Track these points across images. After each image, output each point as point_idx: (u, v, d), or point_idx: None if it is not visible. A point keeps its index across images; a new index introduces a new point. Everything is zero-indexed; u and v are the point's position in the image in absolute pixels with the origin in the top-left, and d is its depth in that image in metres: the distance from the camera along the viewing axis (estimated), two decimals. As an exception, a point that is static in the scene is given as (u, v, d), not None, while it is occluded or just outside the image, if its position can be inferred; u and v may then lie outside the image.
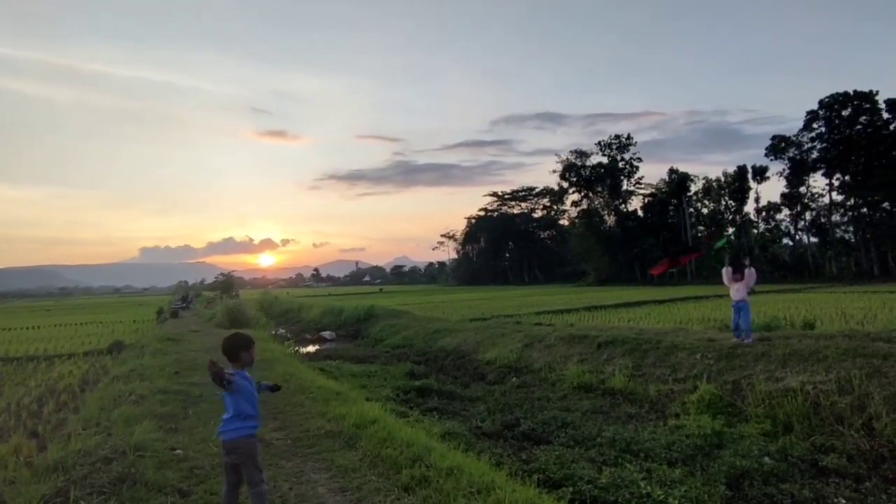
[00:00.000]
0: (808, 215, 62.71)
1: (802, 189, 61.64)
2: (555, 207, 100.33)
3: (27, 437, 7.25)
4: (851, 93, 55.57)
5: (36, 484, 4.37)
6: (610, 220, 76.26)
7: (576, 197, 79.04)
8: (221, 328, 23.12)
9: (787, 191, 62.39)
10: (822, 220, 61.63)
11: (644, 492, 4.86)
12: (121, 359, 14.22)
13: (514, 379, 11.63)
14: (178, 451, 5.51)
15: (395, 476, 4.61)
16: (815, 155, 59.18)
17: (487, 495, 3.98)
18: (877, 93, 54.54)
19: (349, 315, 26.97)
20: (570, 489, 5.01)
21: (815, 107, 58.10)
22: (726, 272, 9.80)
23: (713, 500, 4.83)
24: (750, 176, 65.10)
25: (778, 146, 61.92)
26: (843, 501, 4.90)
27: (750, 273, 9.61)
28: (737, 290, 9.57)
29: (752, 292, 9.63)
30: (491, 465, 5.26)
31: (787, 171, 61.60)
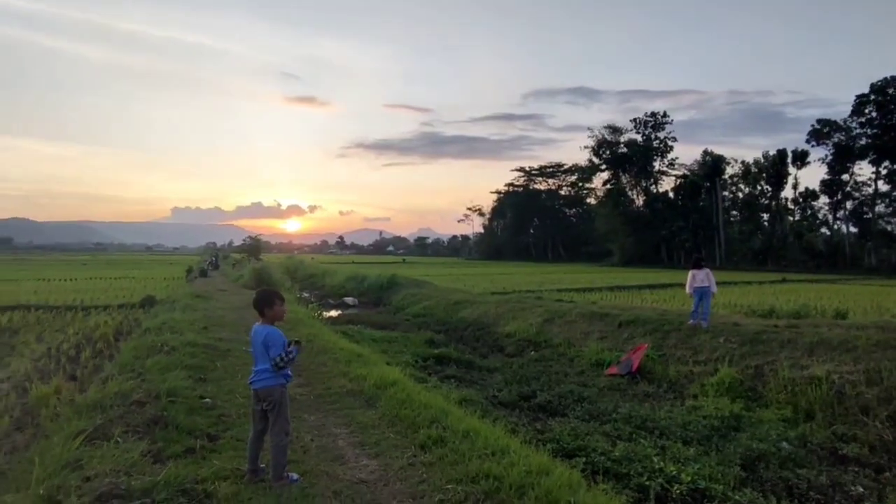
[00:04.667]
0: (848, 204, 60.29)
1: (845, 177, 59.16)
2: (582, 185, 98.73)
3: (66, 380, 7.66)
4: (907, 76, 52.60)
5: (77, 420, 4.65)
6: (638, 200, 74.73)
7: (606, 175, 77.52)
8: (248, 289, 23.74)
9: (828, 177, 59.96)
10: (864, 209, 59.20)
11: (657, 466, 4.90)
12: (152, 312, 14.76)
13: (533, 352, 11.71)
14: (206, 400, 5.76)
15: (413, 435, 4.75)
16: (863, 141, 56.51)
17: (501, 458, 4.07)
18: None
19: (372, 283, 27.33)
20: (583, 459, 5.08)
21: (865, 90, 55.23)
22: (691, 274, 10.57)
23: (726, 480, 4.85)
24: (790, 160, 62.67)
25: (821, 131, 59.30)
26: (861, 489, 4.87)
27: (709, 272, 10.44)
28: (703, 278, 10.32)
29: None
30: (506, 431, 5.36)
31: (830, 157, 59.07)
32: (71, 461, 3.78)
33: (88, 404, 5.12)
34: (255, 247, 56.76)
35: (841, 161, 58.28)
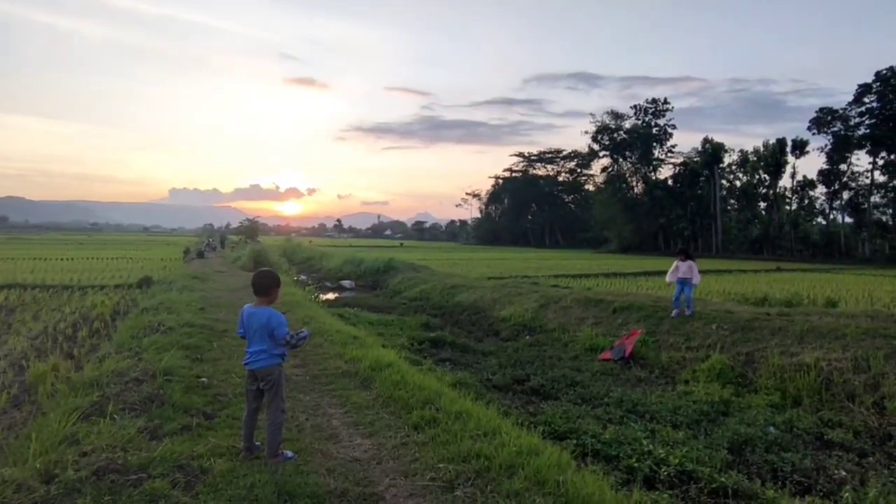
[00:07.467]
0: (845, 194, 60.37)
1: (843, 167, 59.15)
2: (581, 171, 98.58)
3: (64, 358, 7.71)
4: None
5: (74, 398, 4.70)
6: (637, 187, 74.66)
7: (606, 161, 77.31)
8: (246, 271, 23.77)
9: (826, 167, 59.96)
10: (861, 200, 59.32)
11: (646, 449, 4.99)
12: (150, 293, 14.79)
13: (528, 337, 11.81)
14: (203, 379, 5.82)
15: (406, 416, 4.82)
16: (862, 131, 56.38)
17: (493, 438, 4.15)
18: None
19: (369, 266, 27.35)
20: (574, 441, 5.17)
21: (869, 80, 54.94)
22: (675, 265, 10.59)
23: (713, 462, 4.94)
24: (789, 150, 62.55)
25: (823, 119, 59.09)
26: (844, 473, 4.97)
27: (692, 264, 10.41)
28: (686, 269, 10.35)
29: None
30: (498, 413, 5.43)
31: (829, 147, 58.98)
32: (68, 437, 3.84)
33: (85, 382, 5.17)
34: (252, 229, 56.70)
35: (840, 151, 58.20)
